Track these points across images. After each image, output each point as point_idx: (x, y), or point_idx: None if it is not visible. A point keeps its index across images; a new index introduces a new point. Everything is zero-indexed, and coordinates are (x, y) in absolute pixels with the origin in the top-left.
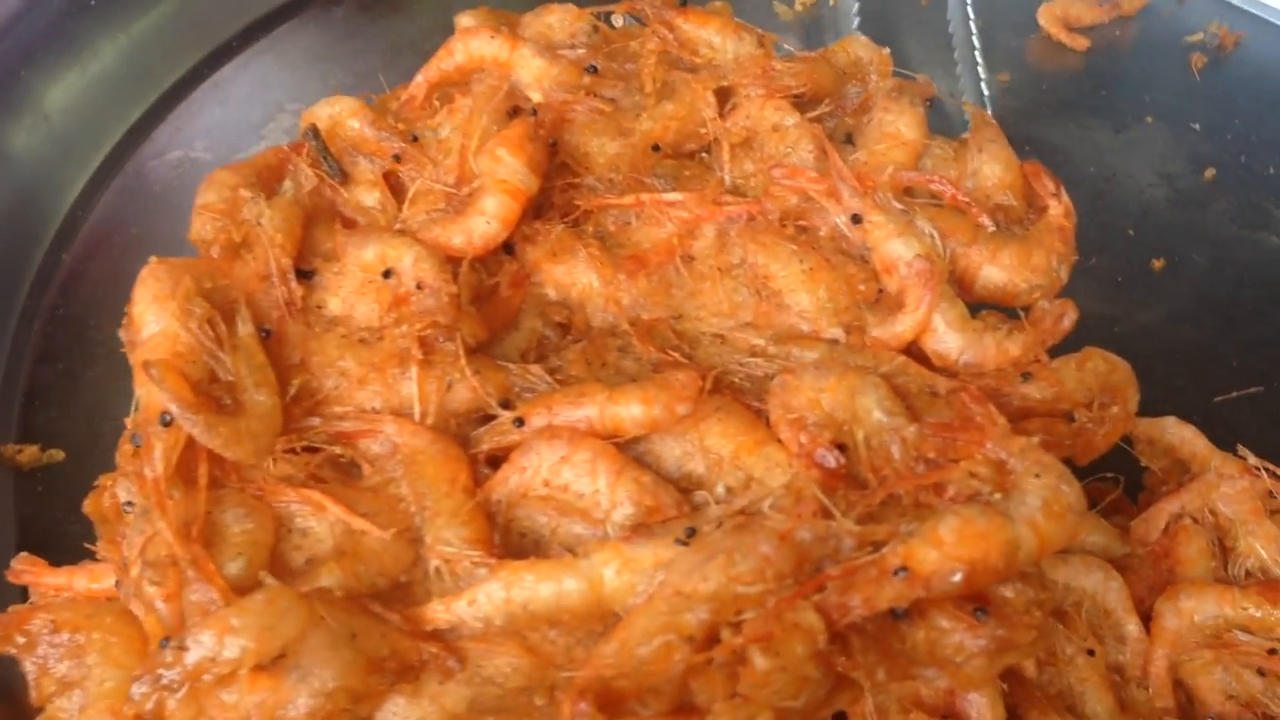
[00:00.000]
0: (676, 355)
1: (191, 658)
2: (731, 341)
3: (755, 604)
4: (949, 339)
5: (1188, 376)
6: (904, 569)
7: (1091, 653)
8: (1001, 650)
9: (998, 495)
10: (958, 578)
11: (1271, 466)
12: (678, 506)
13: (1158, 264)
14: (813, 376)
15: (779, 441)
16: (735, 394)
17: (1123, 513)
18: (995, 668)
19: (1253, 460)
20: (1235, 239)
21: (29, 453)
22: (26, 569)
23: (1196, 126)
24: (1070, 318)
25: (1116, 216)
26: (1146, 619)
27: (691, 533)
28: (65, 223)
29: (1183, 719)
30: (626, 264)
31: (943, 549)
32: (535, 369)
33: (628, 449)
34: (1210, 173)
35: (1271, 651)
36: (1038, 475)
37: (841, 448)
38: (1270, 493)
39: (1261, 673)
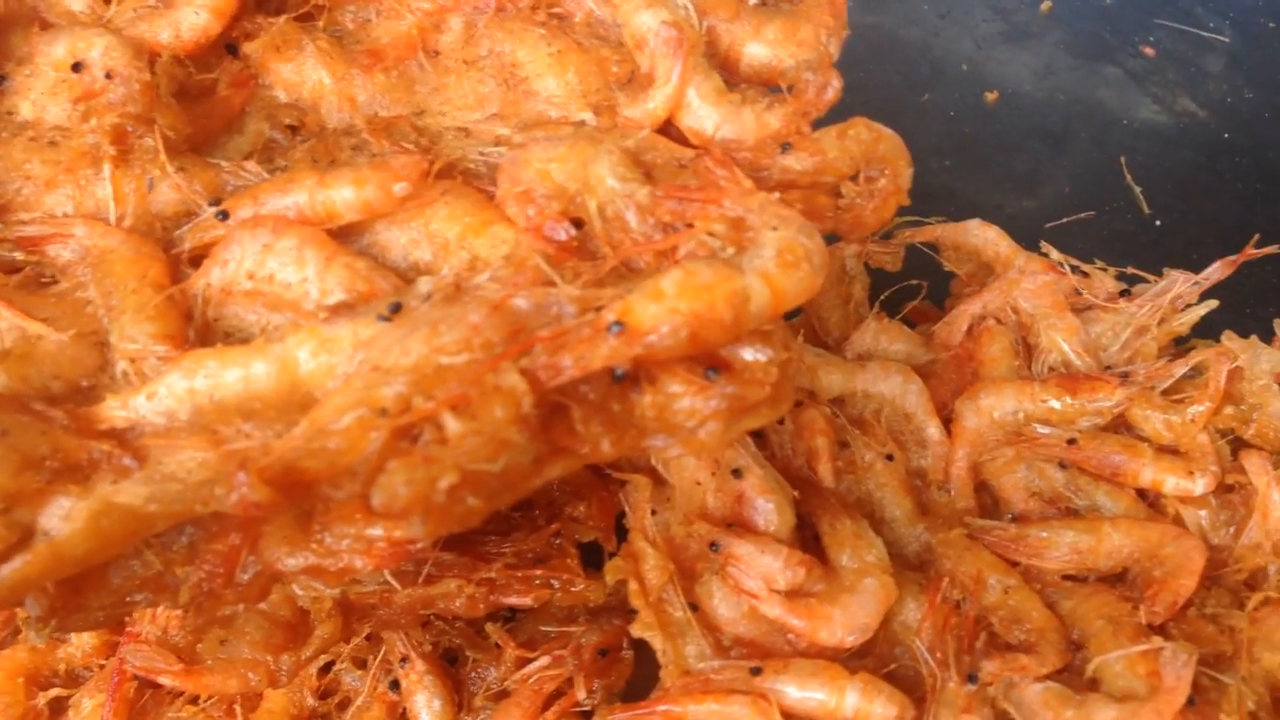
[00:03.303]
0: (412, 149)
1: None
2: (476, 134)
3: (460, 376)
4: (704, 113)
5: (1019, 204)
6: (620, 324)
7: (890, 457)
8: (737, 412)
9: (732, 250)
10: (678, 330)
11: (1076, 262)
12: (396, 293)
13: (991, 97)
14: (542, 147)
15: (509, 220)
16: (469, 179)
17: (931, 320)
18: (732, 432)
19: (1055, 256)
20: (1069, 69)
21: None
22: None
23: None
24: (834, 87)
25: (950, 53)
26: (951, 423)
27: (396, 308)
28: None
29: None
30: (361, 59)
31: (663, 302)
32: (251, 165)
33: (352, 242)
34: (1047, 5)
35: (1071, 442)
36: (775, 228)
37: (579, 224)
38: (1076, 290)
39: (1063, 466)
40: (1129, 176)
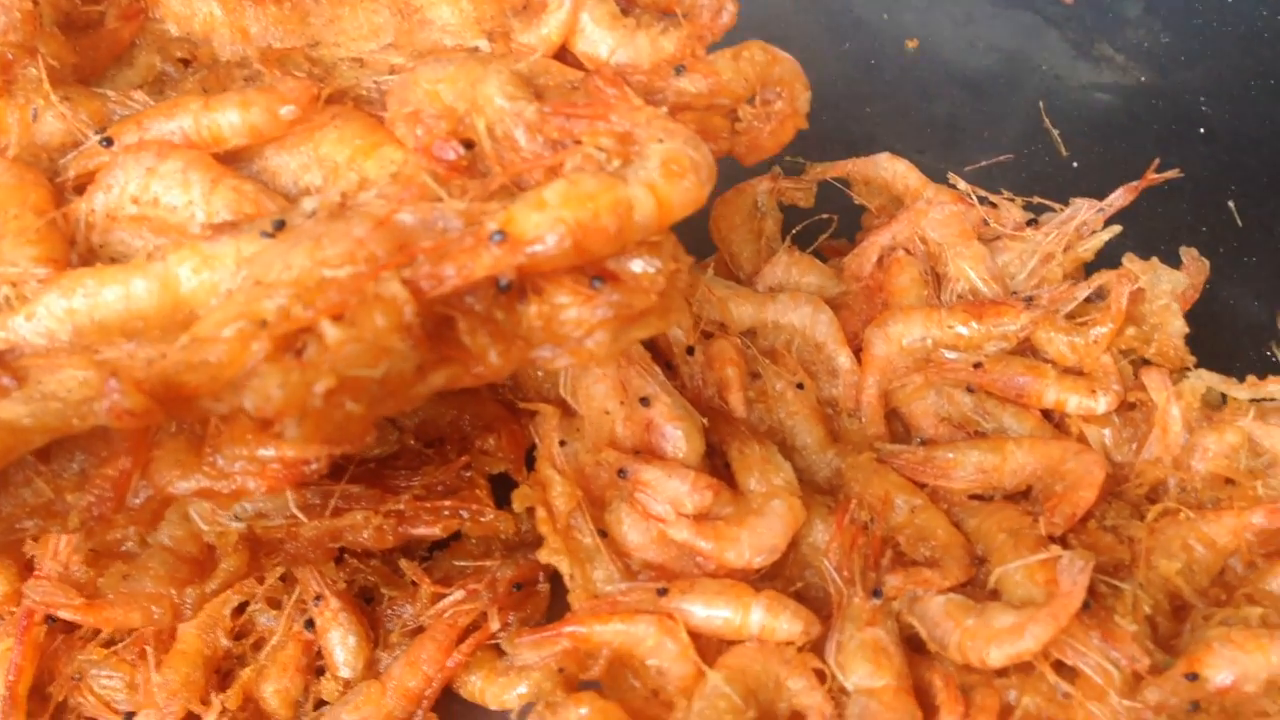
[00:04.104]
0: (305, 78)
1: None
2: (371, 64)
3: (342, 288)
4: (597, 37)
5: (939, 149)
6: (502, 233)
7: (801, 386)
8: (624, 321)
9: (618, 163)
10: (561, 238)
11: (983, 193)
12: (282, 211)
13: (911, 44)
14: (431, 69)
15: (399, 141)
16: (361, 105)
17: (844, 254)
18: (620, 341)
19: (963, 187)
20: (989, 17)
21: None
22: None
23: None
24: (729, 11)
25: (872, 1)
26: (861, 352)
27: (280, 225)
28: None
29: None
30: None
31: (545, 211)
32: (139, 95)
33: (242, 167)
34: None
35: (977, 365)
36: (661, 141)
37: (469, 145)
38: (985, 220)
39: (970, 390)
40: (1047, 120)
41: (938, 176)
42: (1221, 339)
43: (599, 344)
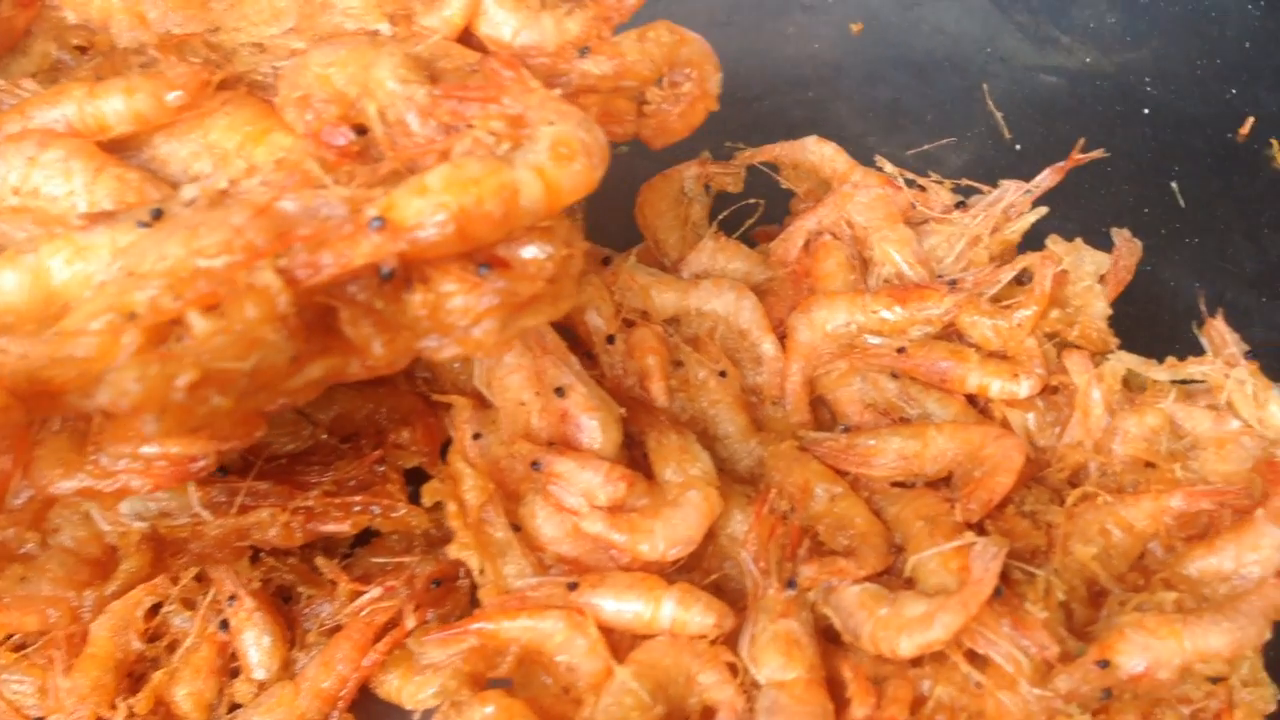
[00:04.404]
0: (201, 64)
1: None
2: (271, 49)
3: (220, 279)
4: (500, 19)
5: (882, 133)
6: (381, 219)
7: (723, 374)
8: (512, 309)
9: (506, 147)
10: (444, 224)
11: (911, 175)
12: (161, 199)
13: (856, 27)
14: (322, 52)
15: (289, 127)
16: (256, 90)
17: (774, 239)
18: (510, 330)
19: (890, 169)
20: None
21: None
22: None
23: None
24: None
25: None
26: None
27: (158, 214)
28: None
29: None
30: None
31: (427, 196)
32: (29, 83)
33: (131, 156)
34: None
35: (900, 350)
36: (552, 123)
37: (362, 130)
38: (912, 204)
39: (895, 375)
40: (990, 103)
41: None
42: (1161, 321)
43: (487, 332)
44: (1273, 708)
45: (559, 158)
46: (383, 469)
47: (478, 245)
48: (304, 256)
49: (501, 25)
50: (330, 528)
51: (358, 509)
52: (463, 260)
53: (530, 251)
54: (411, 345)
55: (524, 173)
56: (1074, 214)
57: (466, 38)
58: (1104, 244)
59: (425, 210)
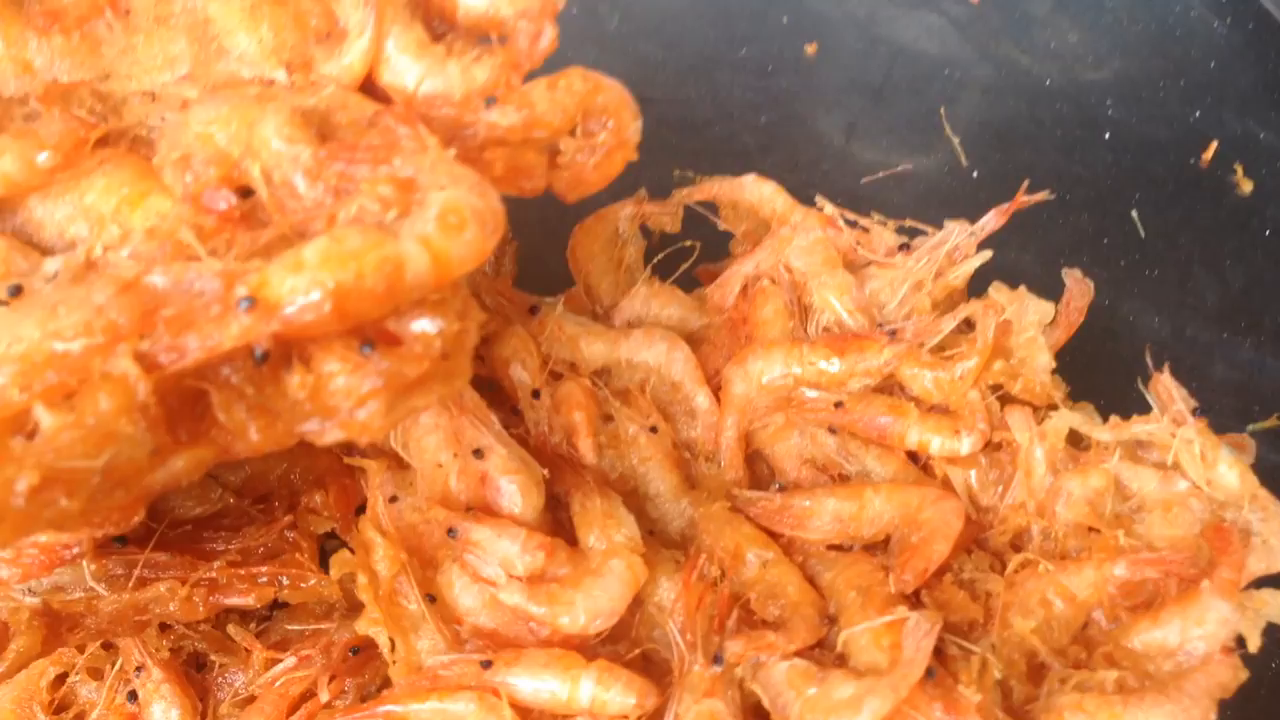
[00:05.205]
0: (87, 117)
1: None
2: (164, 98)
3: (76, 365)
4: (403, 67)
5: (835, 158)
6: (251, 299)
7: (654, 429)
8: (399, 390)
9: (394, 214)
10: (320, 303)
11: (853, 216)
12: (20, 275)
13: (810, 49)
14: (204, 109)
15: (168, 190)
16: (139, 147)
17: (714, 278)
18: (398, 411)
19: (830, 210)
20: (890, 19)
21: None
22: None
23: None
24: (548, 36)
25: (769, 5)
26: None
27: (16, 290)
28: None
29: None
30: (38, 20)
31: (302, 273)
32: None
33: (4, 222)
34: None
35: (838, 405)
36: (443, 188)
37: (248, 193)
38: (855, 246)
39: (833, 430)
40: (948, 128)
41: (831, 188)
42: (1120, 356)
43: (371, 414)
44: None
45: (447, 228)
46: (293, 535)
47: (360, 323)
48: (168, 339)
49: (404, 74)
50: (235, 600)
51: (264, 580)
52: (346, 338)
53: (420, 325)
54: (291, 429)
55: (410, 245)
56: (1031, 244)
57: (369, 86)
58: (1059, 279)
59: (299, 288)
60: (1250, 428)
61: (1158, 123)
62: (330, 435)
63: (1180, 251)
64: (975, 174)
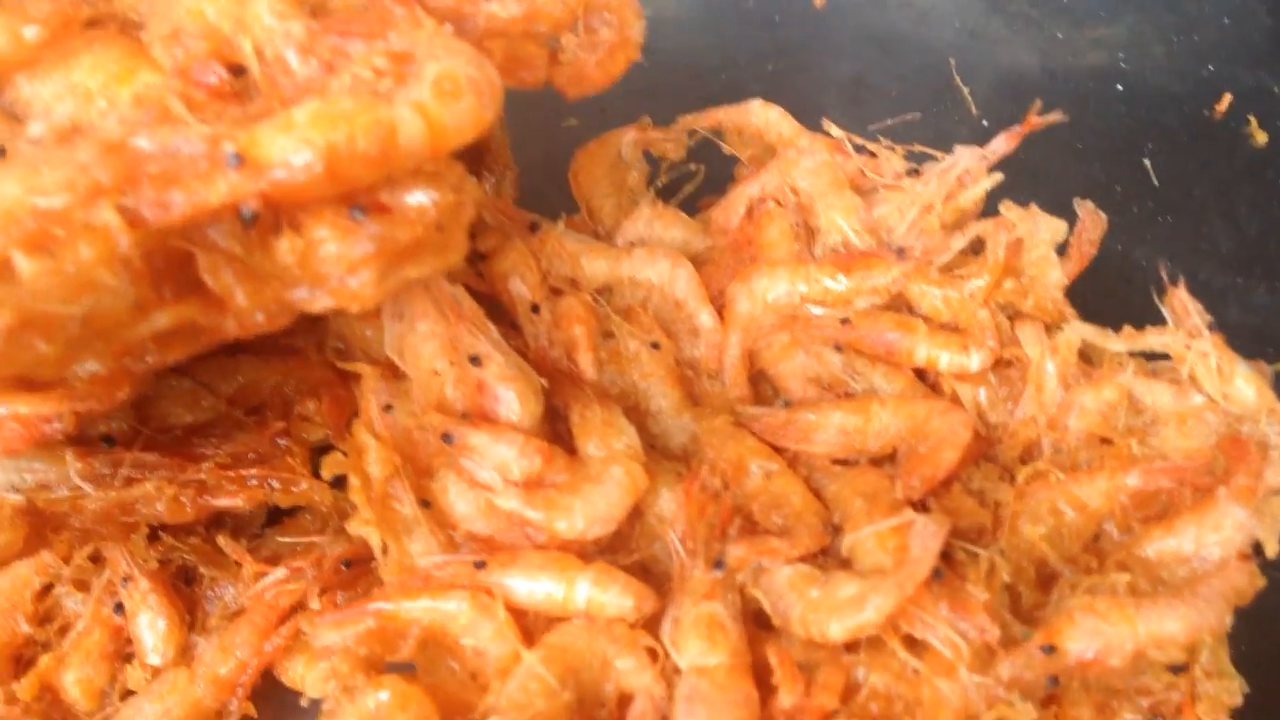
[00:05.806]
0: None
1: None
2: None
3: (58, 221)
4: None
5: (844, 107)
6: (239, 156)
7: (656, 346)
8: (392, 258)
9: (388, 83)
10: (310, 163)
11: (860, 140)
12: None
13: (819, 1)
14: None
15: (158, 66)
16: (129, 29)
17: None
18: (390, 281)
19: (837, 134)
20: None
21: None
22: None
23: None
24: None
25: None
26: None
27: (0, 152)
28: None
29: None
30: None
31: (292, 133)
32: None
33: None
34: None
35: (844, 322)
36: (438, 59)
37: (240, 70)
38: (863, 171)
39: (839, 348)
40: (957, 78)
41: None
42: (1132, 302)
43: (363, 283)
44: (1238, 701)
45: (443, 95)
46: (286, 442)
47: (352, 188)
48: (152, 195)
49: None
50: (223, 502)
51: (253, 482)
52: (337, 205)
53: (414, 197)
54: (280, 296)
55: (403, 110)
56: (1043, 191)
57: None
58: (1072, 220)
59: (289, 147)
60: None
61: (1170, 76)
62: (320, 302)
63: (1194, 200)
64: (985, 123)
